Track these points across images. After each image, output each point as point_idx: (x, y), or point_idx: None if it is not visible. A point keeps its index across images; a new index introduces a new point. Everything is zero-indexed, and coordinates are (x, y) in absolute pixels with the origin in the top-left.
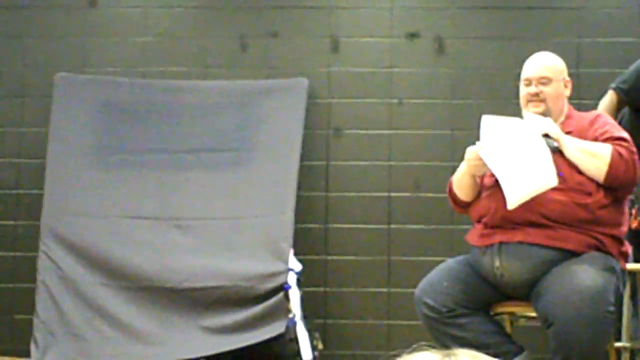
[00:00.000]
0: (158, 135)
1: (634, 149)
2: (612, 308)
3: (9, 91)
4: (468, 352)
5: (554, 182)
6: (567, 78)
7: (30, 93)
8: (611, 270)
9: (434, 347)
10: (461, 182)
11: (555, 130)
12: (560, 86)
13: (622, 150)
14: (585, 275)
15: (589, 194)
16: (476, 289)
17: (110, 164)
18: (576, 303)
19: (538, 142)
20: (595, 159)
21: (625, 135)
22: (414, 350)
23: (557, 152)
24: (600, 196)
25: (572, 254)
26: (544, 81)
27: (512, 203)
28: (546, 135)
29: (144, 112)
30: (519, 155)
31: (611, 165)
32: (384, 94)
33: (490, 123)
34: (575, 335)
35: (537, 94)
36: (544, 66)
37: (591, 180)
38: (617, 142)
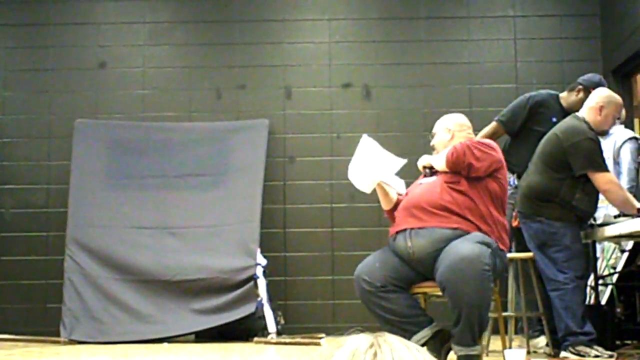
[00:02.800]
0: (154, 164)
1: (472, 144)
2: (487, 268)
3: (39, 133)
4: (393, 336)
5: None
6: (451, 127)
7: (56, 134)
8: (486, 244)
9: (364, 331)
10: (380, 197)
11: (426, 160)
12: (442, 134)
13: (457, 145)
14: (464, 247)
15: (457, 183)
16: (401, 270)
17: (119, 187)
18: (459, 267)
19: (385, 159)
20: (441, 157)
21: (470, 142)
22: (351, 332)
23: (435, 171)
24: (465, 185)
25: (460, 232)
26: (433, 135)
27: (365, 190)
28: (425, 168)
29: (144, 147)
30: (367, 163)
31: (446, 156)
32: (326, 130)
33: (366, 141)
34: (463, 293)
35: (432, 146)
36: (435, 125)
37: (454, 175)
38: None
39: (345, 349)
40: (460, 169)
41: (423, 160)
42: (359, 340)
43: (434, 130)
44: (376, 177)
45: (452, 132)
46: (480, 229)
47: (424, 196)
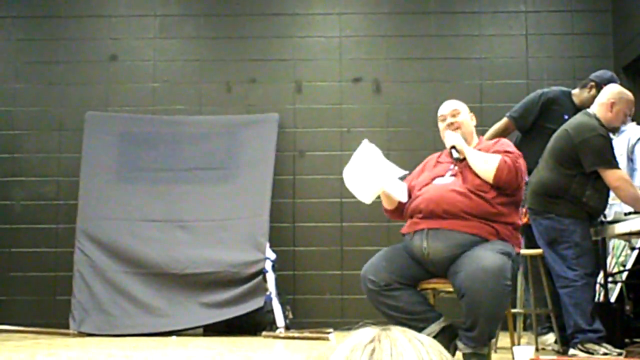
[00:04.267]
0: (164, 157)
1: (520, 161)
2: (508, 282)
3: (50, 126)
4: (399, 327)
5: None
6: (471, 114)
7: (66, 127)
8: (508, 254)
9: (374, 324)
10: (382, 196)
11: (460, 143)
12: (467, 117)
13: (507, 160)
14: (488, 257)
15: (485, 192)
16: (408, 268)
17: (129, 180)
18: (481, 279)
19: (384, 168)
20: (486, 164)
21: (513, 150)
22: (360, 327)
23: (462, 160)
24: (494, 194)
25: (479, 239)
26: (455, 113)
27: (365, 201)
28: (453, 147)
29: (154, 140)
30: (365, 173)
31: (497, 169)
32: (336, 124)
33: (367, 147)
34: (481, 303)
35: (452, 123)
36: (452, 103)
37: (486, 183)
38: (505, 154)
39: (347, 343)
40: (506, 187)
41: (455, 140)
42: (362, 335)
43: (455, 107)
44: (379, 186)
45: (473, 118)
46: (499, 234)
47: (445, 198)
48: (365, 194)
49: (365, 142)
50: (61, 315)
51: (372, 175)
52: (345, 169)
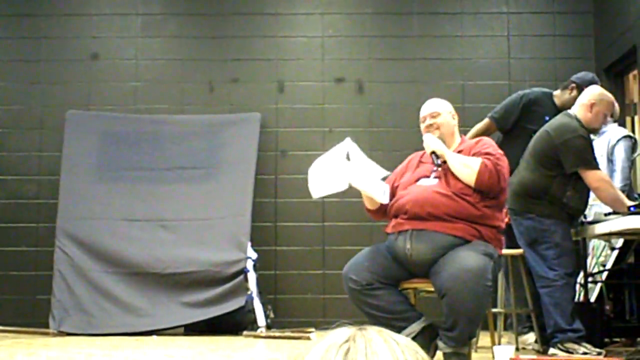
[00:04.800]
0: (146, 156)
1: (501, 163)
2: (489, 284)
3: (30, 124)
4: (376, 327)
5: (342, 187)
6: (453, 112)
7: (48, 126)
8: (490, 255)
9: (351, 324)
10: (363, 196)
11: (440, 148)
12: (448, 117)
13: (488, 163)
14: (470, 258)
15: (469, 195)
16: (389, 268)
17: (110, 179)
18: (463, 279)
19: (366, 167)
20: (467, 168)
21: (494, 151)
22: (337, 326)
23: (443, 164)
24: (478, 197)
25: (462, 241)
26: (434, 114)
27: (314, 196)
28: (433, 152)
29: (135, 139)
30: (330, 169)
31: (478, 173)
32: (318, 124)
33: (347, 145)
34: (462, 303)
35: (431, 125)
36: (433, 105)
37: (468, 186)
38: (486, 156)
39: (322, 343)
40: (488, 191)
41: (434, 145)
42: (337, 335)
43: (434, 109)
44: (340, 186)
45: (455, 117)
46: (482, 237)
47: (429, 200)
48: (321, 188)
49: (348, 140)
50: (41, 315)
51: (341, 172)
52: (319, 160)
